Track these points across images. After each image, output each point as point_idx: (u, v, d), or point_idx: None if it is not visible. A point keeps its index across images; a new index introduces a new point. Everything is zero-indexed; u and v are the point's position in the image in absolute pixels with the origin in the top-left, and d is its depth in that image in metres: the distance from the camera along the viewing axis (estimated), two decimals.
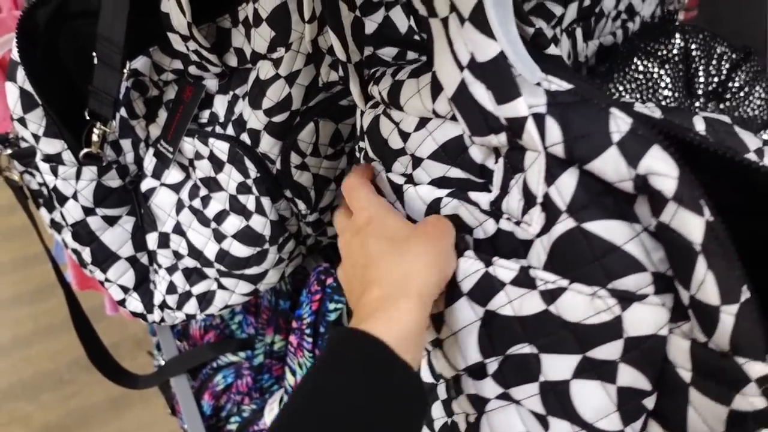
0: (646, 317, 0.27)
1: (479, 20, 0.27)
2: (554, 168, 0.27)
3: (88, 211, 0.53)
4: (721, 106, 0.63)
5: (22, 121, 0.49)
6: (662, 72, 0.63)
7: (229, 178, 0.50)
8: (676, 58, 0.63)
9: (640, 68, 0.63)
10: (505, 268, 0.30)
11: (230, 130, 0.49)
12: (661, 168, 0.24)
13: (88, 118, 0.49)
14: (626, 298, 0.27)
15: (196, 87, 0.50)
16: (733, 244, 0.24)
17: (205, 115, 0.51)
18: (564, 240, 0.27)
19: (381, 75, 0.37)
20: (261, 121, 0.46)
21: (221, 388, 0.74)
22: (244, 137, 0.48)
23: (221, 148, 0.49)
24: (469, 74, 0.28)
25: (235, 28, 0.46)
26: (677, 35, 0.63)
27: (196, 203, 0.53)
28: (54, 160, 0.51)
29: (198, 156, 0.51)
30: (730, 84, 0.63)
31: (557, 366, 0.29)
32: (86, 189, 0.52)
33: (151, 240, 0.56)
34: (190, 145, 0.51)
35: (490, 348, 0.31)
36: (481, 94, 0.28)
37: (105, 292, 0.97)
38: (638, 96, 0.64)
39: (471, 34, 0.27)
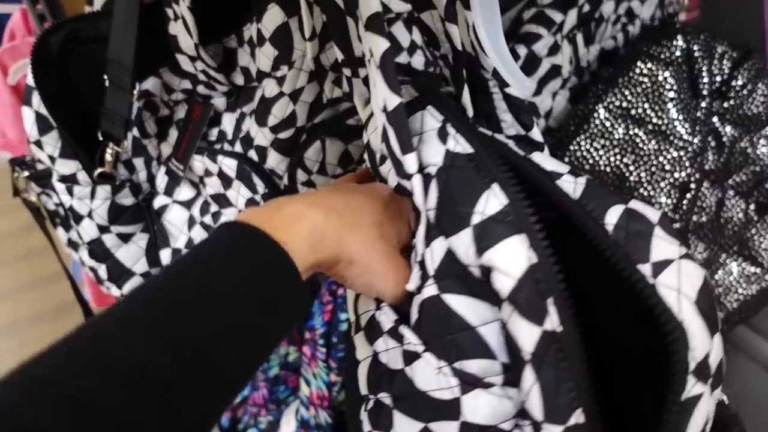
0: (488, 407, 0.25)
1: (386, 69, 0.26)
2: (432, 230, 0.27)
3: (103, 229, 0.54)
4: (725, 104, 0.63)
5: (38, 144, 0.50)
6: (666, 74, 0.63)
7: (238, 194, 0.51)
8: (679, 60, 0.64)
9: (645, 72, 0.64)
10: (386, 317, 0.29)
11: (238, 147, 0.50)
12: (502, 264, 0.23)
13: (101, 138, 0.50)
14: (469, 382, 0.25)
15: (204, 106, 0.51)
16: (586, 358, 0.22)
17: (214, 133, 0.52)
18: (427, 305, 0.27)
19: None
20: (267, 138, 0.47)
21: (237, 401, 0.75)
22: (252, 154, 0.49)
23: (230, 165, 0.50)
24: (384, 118, 0.28)
25: (240, 48, 0.47)
26: (679, 37, 0.63)
27: (207, 219, 0.54)
28: (69, 180, 0.52)
29: (207, 173, 0.52)
30: (733, 82, 0.63)
31: (404, 427, 0.27)
32: (101, 207, 0.53)
33: (165, 256, 0.57)
34: (199, 163, 0.52)
35: (373, 385, 0.30)
36: (393, 140, 0.28)
37: None
38: (644, 99, 0.64)
39: (379, 81, 0.27)
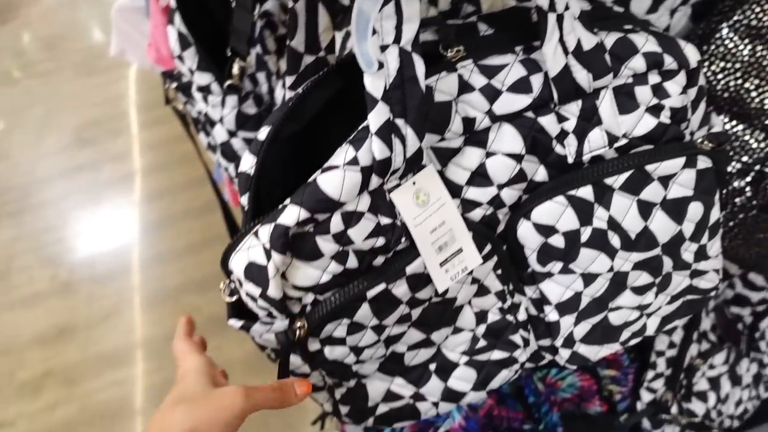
0: None
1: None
2: None
3: (231, 134, 0.63)
4: None
5: (180, 58, 0.59)
6: None
7: None
8: None
9: None
10: None
11: None
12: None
13: (229, 54, 0.58)
14: None
15: None
16: None
17: None
18: None
19: None
20: None
21: None
22: None
23: None
24: None
25: None
26: None
27: None
28: (205, 90, 0.61)
29: None
30: None
31: None
32: (229, 115, 0.62)
33: None
34: None
35: None
36: None
37: None
38: None
39: None
